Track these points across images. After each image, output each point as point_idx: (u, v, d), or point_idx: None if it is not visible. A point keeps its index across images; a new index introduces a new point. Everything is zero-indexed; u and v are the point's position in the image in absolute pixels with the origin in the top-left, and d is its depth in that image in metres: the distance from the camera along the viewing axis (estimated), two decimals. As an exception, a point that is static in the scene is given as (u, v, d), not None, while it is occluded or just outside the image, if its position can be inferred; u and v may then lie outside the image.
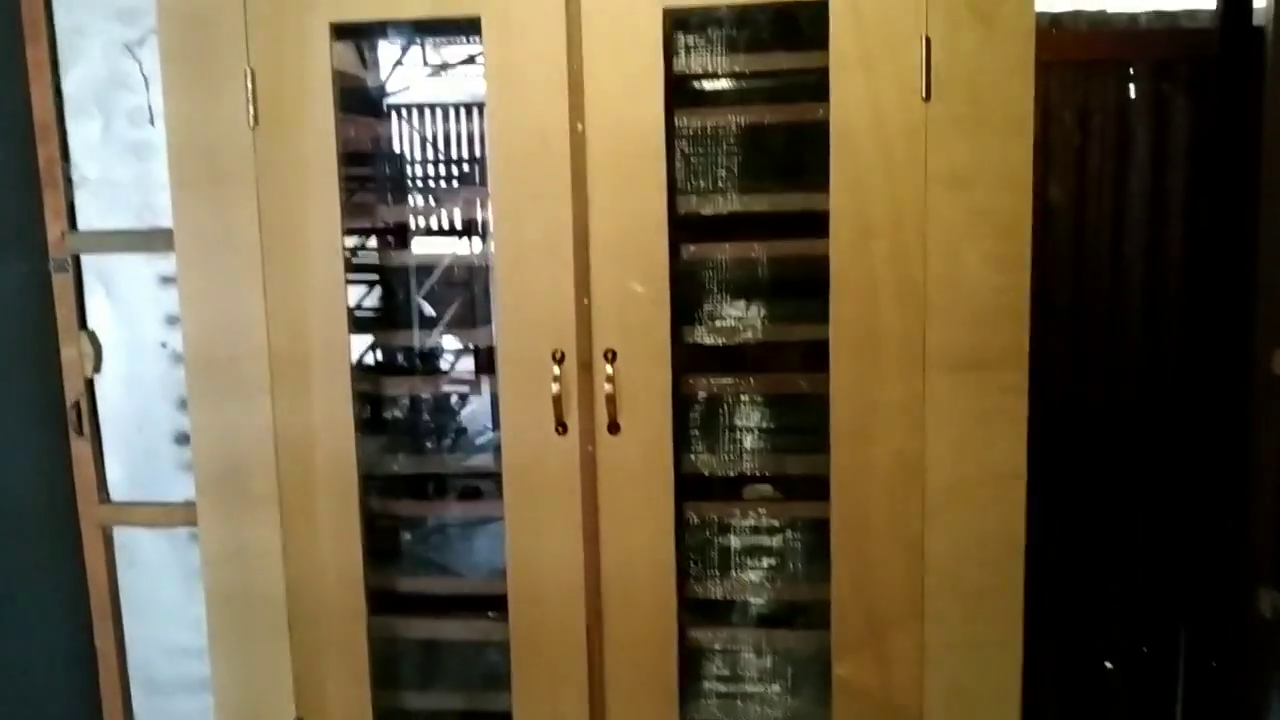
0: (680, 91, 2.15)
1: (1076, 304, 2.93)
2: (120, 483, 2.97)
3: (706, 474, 2.28)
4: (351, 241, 2.68)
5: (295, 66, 2.13)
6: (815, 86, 2.03)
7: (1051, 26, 2.81)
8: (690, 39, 2.16)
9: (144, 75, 2.95)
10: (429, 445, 2.76)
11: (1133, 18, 2.87)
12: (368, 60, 2.82)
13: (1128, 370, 2.97)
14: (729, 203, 2.23)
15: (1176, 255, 2.90)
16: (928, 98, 1.97)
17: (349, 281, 2.23)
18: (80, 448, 2.92)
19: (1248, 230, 2.73)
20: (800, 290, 2.22)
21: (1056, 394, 2.93)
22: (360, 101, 2.67)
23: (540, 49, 2.05)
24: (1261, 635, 2.69)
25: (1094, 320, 2.95)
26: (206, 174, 2.17)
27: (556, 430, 2.13)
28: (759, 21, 2.19)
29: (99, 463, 2.95)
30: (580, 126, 2.06)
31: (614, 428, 2.12)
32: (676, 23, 2.10)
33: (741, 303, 2.35)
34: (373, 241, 2.88)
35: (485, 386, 2.70)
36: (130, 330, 2.95)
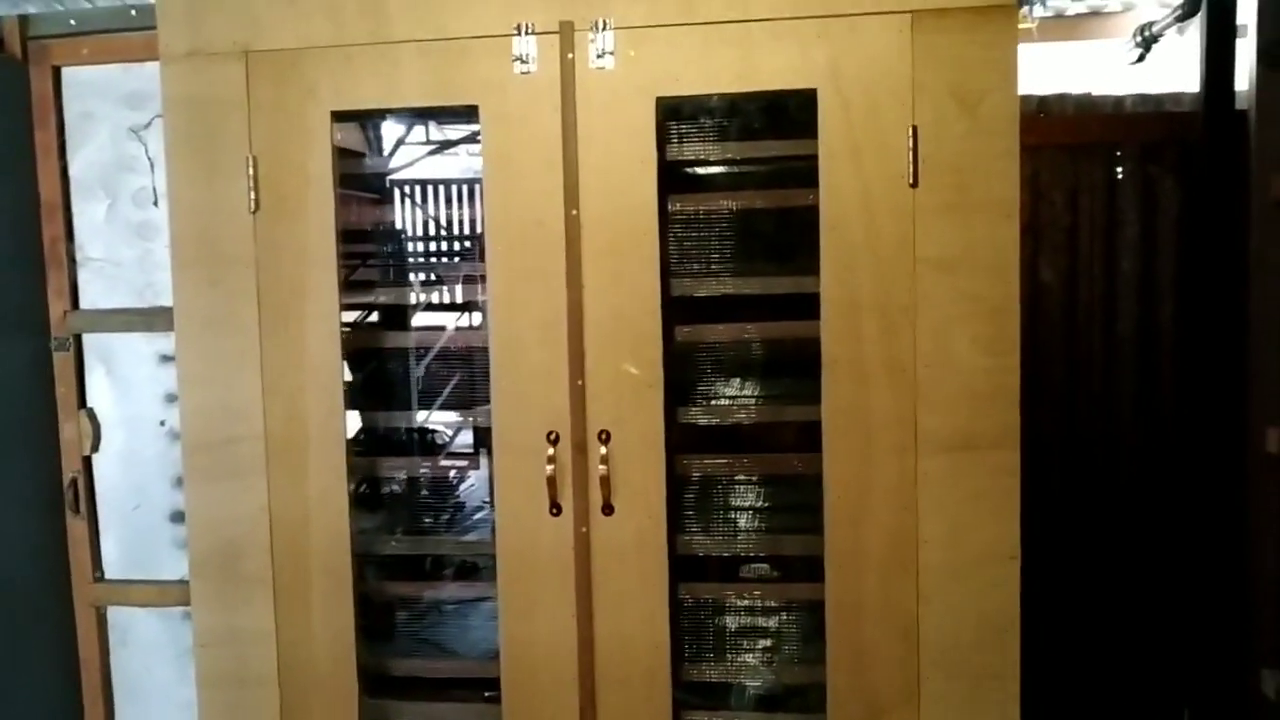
0: (673, 177, 2.19)
1: (1070, 383, 2.95)
2: (115, 561, 2.96)
3: (701, 555, 2.28)
4: (351, 317, 2.71)
5: (297, 153, 2.17)
6: (805, 172, 2.07)
7: (1039, 110, 2.87)
8: (683, 127, 2.21)
9: (149, 158, 3.01)
10: (424, 524, 2.75)
11: (1118, 101, 2.93)
12: (371, 138, 2.87)
13: (1123, 449, 2.98)
14: (721, 285, 2.26)
15: (1168, 334, 2.92)
16: (915, 184, 2.01)
17: (345, 356, 2.24)
18: (76, 526, 2.92)
19: (1238, 310, 2.75)
20: (793, 370, 2.24)
21: (1052, 474, 2.93)
22: (363, 178, 2.71)
23: (536, 136, 2.10)
24: (1265, 716, 2.65)
25: (1088, 399, 2.97)
26: (207, 257, 2.21)
27: (551, 511, 2.14)
28: (749, 110, 2.24)
29: (94, 541, 2.94)
30: (575, 211, 2.10)
31: (608, 509, 2.13)
32: (669, 111, 2.14)
33: (735, 383, 2.37)
34: (373, 316, 2.91)
35: (481, 465, 2.70)
36: (129, 408, 2.96)
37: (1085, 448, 2.98)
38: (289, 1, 2.15)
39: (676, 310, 2.19)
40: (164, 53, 2.19)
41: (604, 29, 2.06)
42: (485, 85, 2.11)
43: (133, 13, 3.07)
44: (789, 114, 2.15)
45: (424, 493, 2.81)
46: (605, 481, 2.11)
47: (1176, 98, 2.93)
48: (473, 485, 2.78)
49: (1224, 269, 2.79)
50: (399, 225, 3.37)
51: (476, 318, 2.82)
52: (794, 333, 2.18)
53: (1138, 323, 2.93)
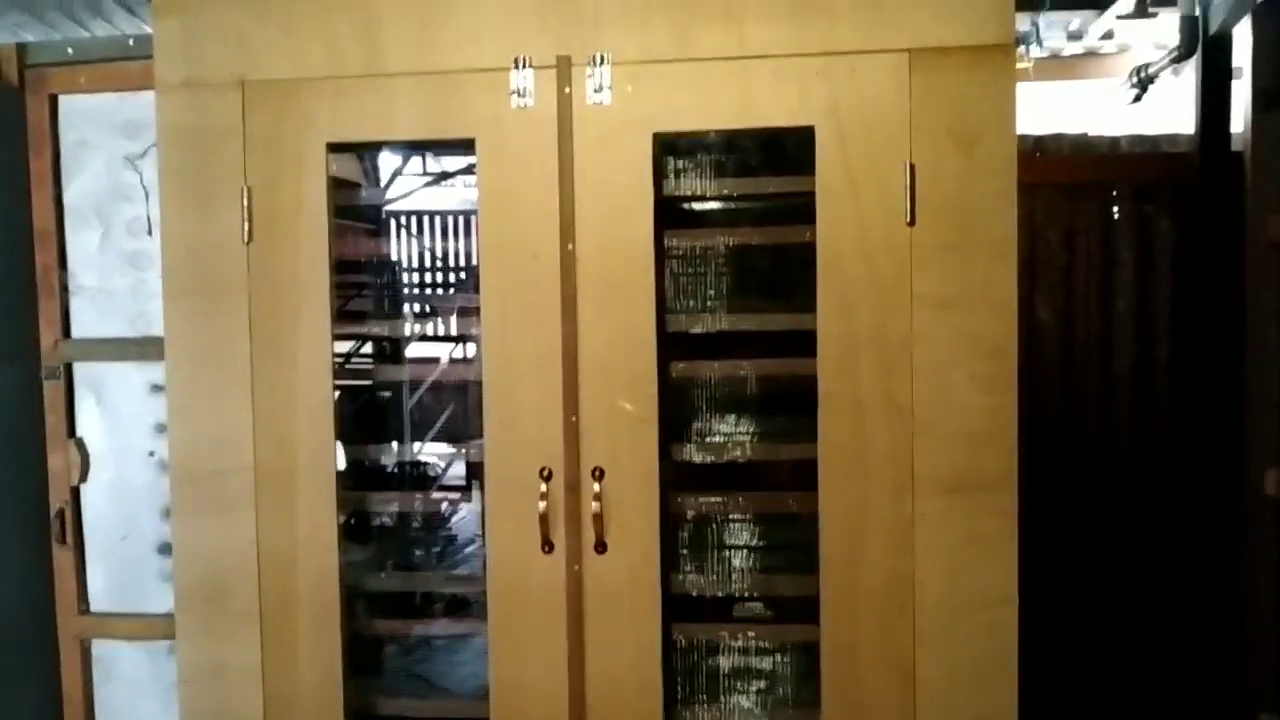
0: (669, 213, 2.19)
1: (1066, 420, 2.94)
2: (101, 592, 2.92)
3: (694, 594, 2.25)
4: (344, 347, 2.69)
5: (292, 185, 2.16)
6: (802, 209, 2.07)
7: (1035, 149, 2.87)
8: (680, 163, 2.21)
9: (144, 187, 3.00)
10: (414, 559, 2.73)
11: (1114, 141, 2.94)
12: (367, 168, 2.87)
13: (1119, 487, 2.96)
14: (717, 321, 2.25)
15: (1164, 373, 2.91)
16: (912, 222, 2.01)
17: (337, 387, 2.23)
18: (62, 557, 2.88)
19: (1235, 351, 2.74)
20: (789, 407, 2.22)
21: (1048, 511, 2.91)
22: (358, 208, 2.70)
23: (533, 170, 2.09)
24: (1264, 762, 2.62)
25: (1085, 437, 2.95)
26: (199, 288, 2.19)
27: (543, 549, 2.11)
28: (747, 146, 2.24)
29: (80, 573, 2.90)
30: (571, 246, 2.09)
31: (601, 547, 2.10)
32: (666, 147, 2.14)
33: (730, 420, 2.35)
34: (366, 347, 2.89)
35: (473, 500, 2.67)
36: (119, 438, 2.93)
37: (1081, 485, 2.96)
38: (285, 32, 2.15)
39: (671, 346, 2.18)
40: (159, 82, 2.18)
41: (601, 64, 2.06)
42: (482, 119, 2.10)
43: (130, 42, 3.08)
44: (786, 150, 2.15)
45: (415, 527, 2.78)
46: (598, 519, 2.09)
47: (1172, 139, 2.94)
48: (464, 520, 2.75)
49: (1220, 310, 2.79)
50: (394, 256, 3.36)
51: (470, 350, 2.80)
52: (790, 370, 2.17)
53: (1134, 362, 2.92)
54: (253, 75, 2.15)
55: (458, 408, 2.74)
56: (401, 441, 2.77)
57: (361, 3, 2.13)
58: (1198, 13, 2.64)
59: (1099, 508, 2.96)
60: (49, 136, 3.04)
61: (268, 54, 2.15)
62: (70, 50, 3.05)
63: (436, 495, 2.77)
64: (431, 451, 2.73)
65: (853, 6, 2.01)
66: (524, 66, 2.07)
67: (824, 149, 2.03)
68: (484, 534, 2.37)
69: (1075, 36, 3.10)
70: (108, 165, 3.03)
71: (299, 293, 2.17)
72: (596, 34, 2.06)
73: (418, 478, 2.77)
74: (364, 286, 2.92)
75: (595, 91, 2.06)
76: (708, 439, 2.31)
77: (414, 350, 3.00)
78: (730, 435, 2.33)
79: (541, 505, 2.10)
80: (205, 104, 2.16)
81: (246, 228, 2.16)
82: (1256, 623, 2.66)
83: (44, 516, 2.89)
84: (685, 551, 2.29)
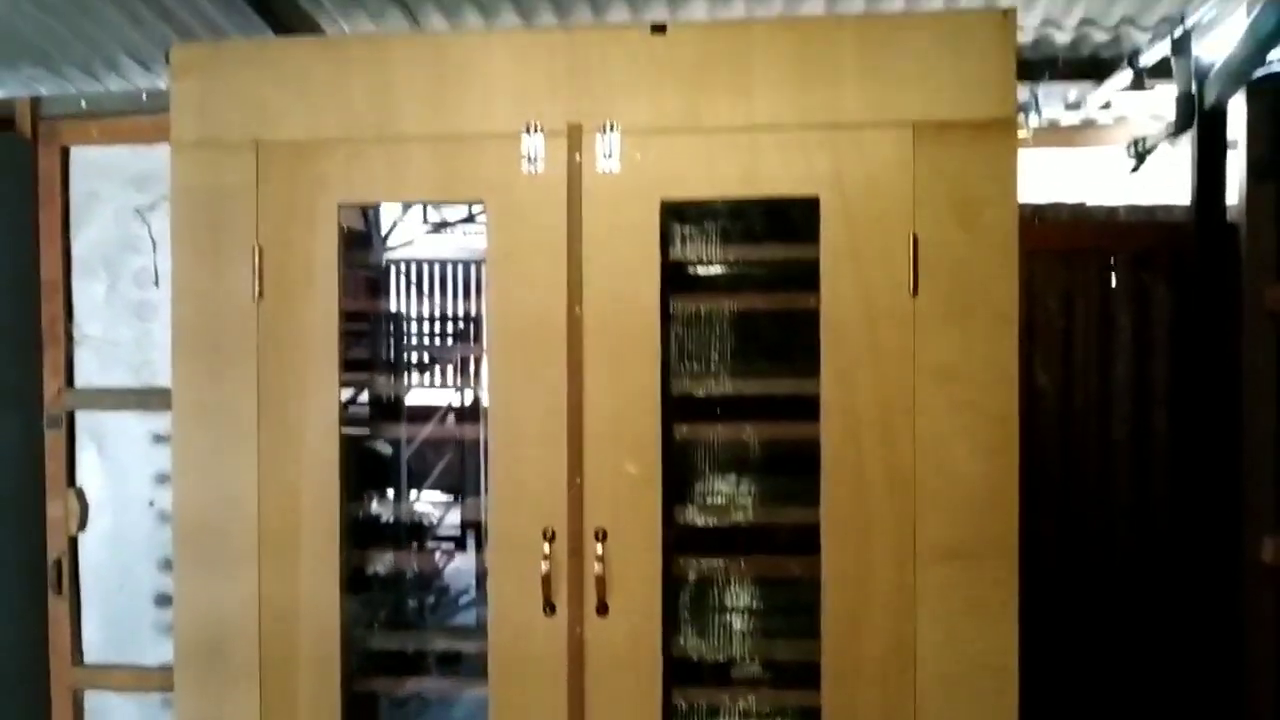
0: (676, 277, 2.21)
1: (1066, 484, 2.95)
2: (96, 643, 2.90)
3: (696, 658, 2.24)
4: (344, 394, 2.69)
5: (303, 243, 2.18)
6: (806, 276, 2.09)
7: (1034, 217, 2.92)
8: (687, 229, 2.24)
9: (153, 238, 3.03)
10: (414, 618, 2.71)
11: (1111, 210, 2.99)
12: (370, 216, 2.89)
13: (1118, 551, 2.97)
14: (721, 385, 2.27)
15: (1162, 438, 2.93)
16: (915, 292, 2.03)
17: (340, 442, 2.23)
18: (58, 607, 2.87)
19: (1232, 418, 2.77)
20: (791, 470, 2.23)
21: (1048, 575, 2.92)
22: (361, 257, 2.72)
23: (541, 234, 2.12)
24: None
25: (1084, 500, 2.97)
26: (209, 345, 2.21)
27: (544, 611, 2.11)
28: (752, 214, 2.27)
29: (75, 623, 2.89)
30: (578, 309, 2.11)
31: (603, 609, 2.10)
32: (673, 213, 2.17)
33: (733, 484, 2.36)
34: (363, 396, 2.89)
35: (475, 559, 2.67)
36: (119, 487, 2.93)
37: (1081, 549, 2.97)
38: (300, 94, 2.18)
39: (675, 408, 2.19)
40: (175, 140, 2.21)
41: (611, 132, 2.09)
42: (492, 182, 2.13)
43: (143, 96, 3.12)
44: (792, 218, 2.18)
45: (416, 585, 2.78)
46: (601, 581, 2.09)
47: (1168, 209, 2.99)
48: (466, 579, 2.75)
49: (1217, 377, 2.82)
50: (396, 306, 3.38)
51: (469, 398, 2.81)
52: (793, 434, 2.18)
53: (1132, 427, 2.94)
54: (267, 136, 2.18)
55: (460, 466, 2.74)
56: (399, 495, 2.77)
57: (377, 66, 2.17)
58: (1194, 89, 2.70)
59: (1098, 573, 2.97)
60: (59, 187, 3.08)
61: (283, 115, 2.18)
62: (84, 103, 3.09)
63: (439, 555, 2.75)
64: (434, 510, 2.73)
65: (858, 80, 2.05)
66: (535, 132, 2.11)
67: (828, 218, 2.06)
68: (484, 592, 2.38)
69: (1074, 107, 3.16)
70: (116, 217, 3.06)
71: (307, 350, 2.18)
72: (607, 102, 2.10)
73: (419, 535, 2.76)
74: (362, 335, 2.93)
75: (604, 158, 2.10)
76: (710, 501, 2.32)
77: (415, 400, 3.00)
78: (732, 498, 2.34)
79: (544, 566, 2.10)
80: (220, 163, 2.19)
81: (257, 285, 2.18)
82: (1256, 689, 2.66)
83: (41, 565, 2.88)
84: (686, 615, 2.29)
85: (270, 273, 2.19)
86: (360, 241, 2.69)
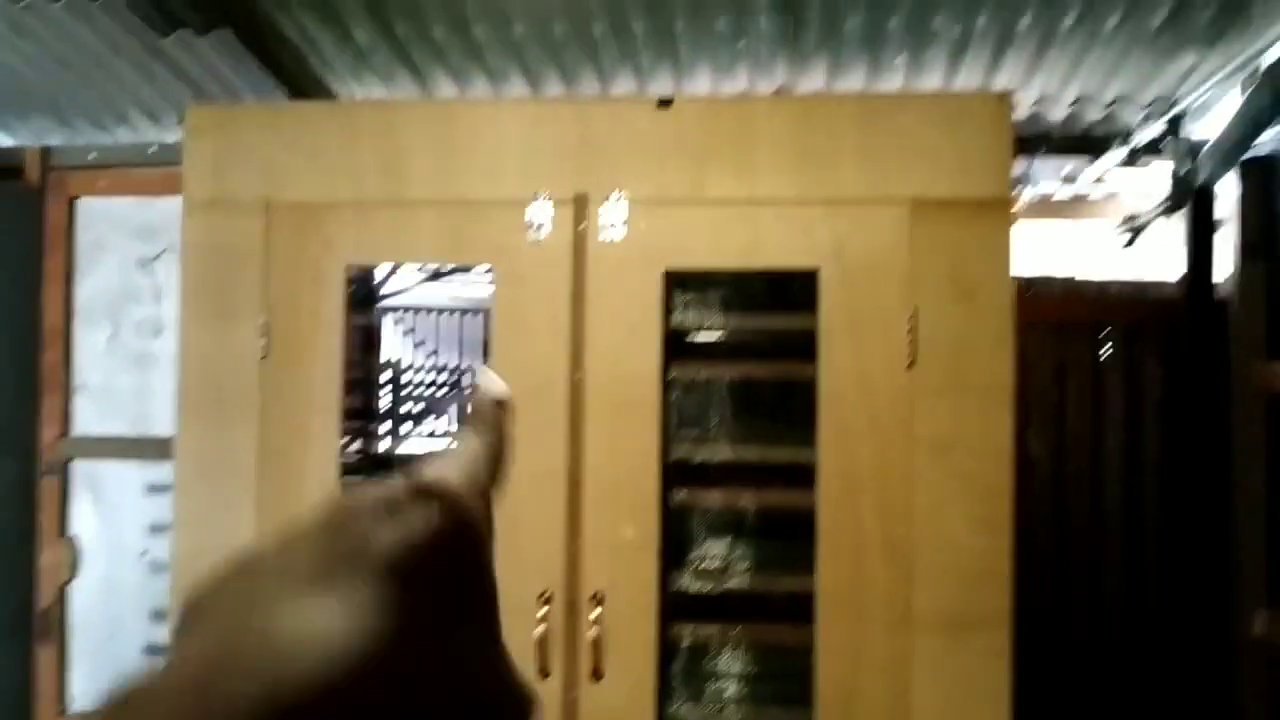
0: (676, 344, 2.24)
1: (1058, 555, 2.97)
2: (83, 693, 2.89)
3: (688, 724, 2.24)
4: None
5: (309, 303, 2.21)
6: (805, 346, 2.12)
7: (1027, 289, 2.96)
8: (688, 297, 2.27)
9: (156, 289, 3.05)
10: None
11: (1103, 285, 3.03)
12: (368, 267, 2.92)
13: (1111, 624, 2.97)
14: (720, 451, 2.29)
15: (1154, 512, 2.95)
16: (912, 365, 2.07)
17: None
18: (45, 656, 2.86)
19: (1222, 493, 2.80)
20: (787, 534, 2.25)
21: (1040, 645, 2.92)
22: (356, 303, 2.73)
23: (545, 299, 2.15)
24: None
25: (1077, 571, 2.98)
26: (214, 402, 2.22)
27: (539, 674, 2.11)
28: (753, 284, 2.31)
29: (62, 672, 2.88)
30: (579, 373, 2.14)
31: (598, 674, 2.10)
32: (676, 281, 2.20)
33: (728, 548, 2.37)
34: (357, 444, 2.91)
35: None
36: (112, 536, 2.94)
37: (1073, 620, 2.97)
38: (312, 157, 2.22)
39: (673, 473, 2.21)
40: (187, 199, 2.24)
41: (617, 201, 2.13)
42: (499, 248, 2.17)
43: (152, 149, 3.16)
44: (791, 289, 2.22)
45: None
46: (597, 645, 2.10)
47: (1159, 285, 3.03)
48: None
49: (1207, 451, 2.85)
50: (390, 354, 3.40)
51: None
52: (790, 501, 2.20)
53: (1124, 499, 2.97)
54: (278, 197, 2.22)
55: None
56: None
57: (388, 132, 2.21)
58: (1186, 169, 2.76)
59: (1090, 645, 2.97)
60: (64, 236, 3.11)
61: (294, 177, 2.22)
62: (93, 155, 3.13)
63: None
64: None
65: (858, 159, 2.10)
66: (542, 200, 2.15)
67: (827, 291, 2.10)
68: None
69: (1068, 180, 3.22)
70: (120, 267, 3.09)
71: (309, 406, 2.20)
72: (613, 173, 2.14)
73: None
74: (358, 384, 2.95)
75: (609, 227, 2.14)
76: (706, 566, 2.33)
77: (410, 448, 3.01)
78: (728, 563, 2.35)
79: (539, 629, 2.11)
80: (230, 223, 2.22)
81: (264, 344, 2.21)
82: (1246, 767, 2.66)
83: (30, 613, 2.87)
84: (679, 681, 2.29)
85: (276, 332, 2.21)
86: (357, 289, 2.72)
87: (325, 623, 0.36)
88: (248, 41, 2.63)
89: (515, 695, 0.38)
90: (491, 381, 0.44)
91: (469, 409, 0.44)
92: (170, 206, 2.93)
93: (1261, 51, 2.33)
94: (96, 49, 2.65)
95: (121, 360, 3.05)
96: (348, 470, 2.73)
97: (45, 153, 3.13)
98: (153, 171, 3.13)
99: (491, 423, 0.42)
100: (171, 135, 3.14)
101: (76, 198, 3.15)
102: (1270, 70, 2.38)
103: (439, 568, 0.37)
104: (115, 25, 2.52)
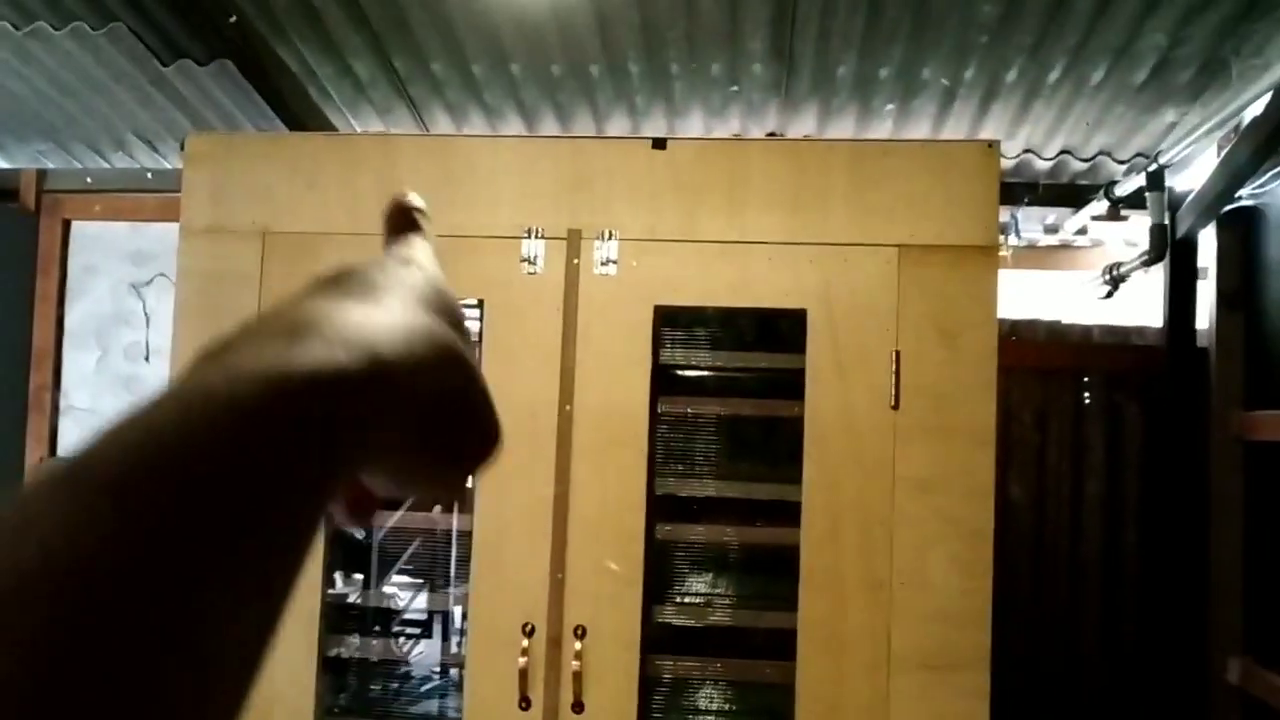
0: (665, 379, 2.27)
1: (1036, 598, 2.99)
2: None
3: (668, 760, 2.25)
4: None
5: (301, 330, 2.22)
6: (792, 385, 2.15)
7: (1010, 333, 3.00)
8: (677, 333, 2.30)
9: (146, 314, 3.07)
10: (388, 707, 2.69)
11: (1086, 330, 3.08)
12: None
13: (1087, 667, 2.99)
14: (705, 486, 2.31)
15: (1132, 558, 2.98)
16: (896, 406, 2.10)
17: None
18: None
19: (1199, 539, 2.83)
20: (770, 572, 2.27)
21: (1018, 688, 2.93)
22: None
23: (537, 333, 2.18)
24: None
25: (1055, 615, 3.00)
26: (202, 426, 2.22)
27: (520, 705, 2.12)
28: (741, 323, 2.35)
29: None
30: (569, 407, 2.16)
31: (578, 707, 2.11)
32: (665, 318, 2.24)
33: (711, 583, 2.39)
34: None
35: (453, 649, 2.65)
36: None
37: (1048, 665, 2.99)
38: (309, 187, 2.25)
39: (658, 508, 2.23)
40: (185, 226, 2.27)
41: (609, 239, 2.17)
42: (492, 281, 2.19)
43: (148, 175, 3.19)
44: (780, 328, 2.25)
45: (388, 674, 2.75)
46: (578, 678, 2.10)
47: (1140, 331, 3.08)
48: (442, 669, 2.73)
49: (1186, 498, 2.89)
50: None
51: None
52: (773, 538, 2.22)
53: (1103, 544, 3.00)
54: (275, 226, 2.24)
55: (444, 556, 2.74)
56: (367, 582, 2.76)
57: (385, 165, 2.24)
58: (1167, 221, 2.82)
59: (1065, 690, 2.99)
60: (58, 259, 3.13)
61: (292, 207, 2.24)
62: (89, 180, 3.16)
63: (419, 649, 2.73)
64: (413, 599, 2.72)
65: (847, 203, 2.14)
66: (536, 236, 2.18)
67: (815, 331, 2.13)
68: (448, 681, 2.38)
69: (1051, 230, 3.28)
70: (112, 291, 3.11)
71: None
72: (607, 211, 2.18)
73: (393, 623, 2.75)
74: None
75: (601, 264, 2.17)
76: (688, 601, 2.35)
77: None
78: (710, 598, 2.36)
79: (522, 661, 2.11)
80: (227, 250, 2.24)
81: (255, 370, 2.21)
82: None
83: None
84: (660, 714, 2.29)
85: (268, 357, 2.22)
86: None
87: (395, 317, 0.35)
88: (248, 72, 2.67)
89: (497, 420, 0.39)
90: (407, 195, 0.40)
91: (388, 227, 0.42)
92: (163, 232, 2.96)
93: (1241, 109, 2.40)
94: (98, 76, 2.68)
95: (110, 383, 3.05)
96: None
97: (41, 175, 3.16)
98: (148, 197, 3.16)
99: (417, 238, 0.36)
100: (168, 162, 3.16)
101: (70, 221, 3.17)
102: (1249, 126, 2.45)
103: (448, 310, 0.38)
104: (119, 54, 2.55)
